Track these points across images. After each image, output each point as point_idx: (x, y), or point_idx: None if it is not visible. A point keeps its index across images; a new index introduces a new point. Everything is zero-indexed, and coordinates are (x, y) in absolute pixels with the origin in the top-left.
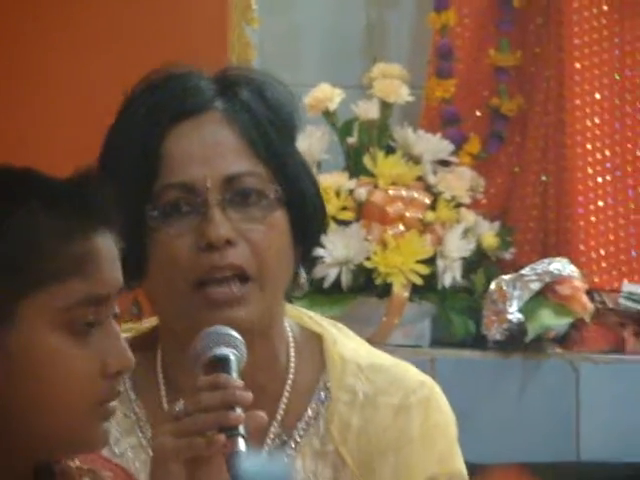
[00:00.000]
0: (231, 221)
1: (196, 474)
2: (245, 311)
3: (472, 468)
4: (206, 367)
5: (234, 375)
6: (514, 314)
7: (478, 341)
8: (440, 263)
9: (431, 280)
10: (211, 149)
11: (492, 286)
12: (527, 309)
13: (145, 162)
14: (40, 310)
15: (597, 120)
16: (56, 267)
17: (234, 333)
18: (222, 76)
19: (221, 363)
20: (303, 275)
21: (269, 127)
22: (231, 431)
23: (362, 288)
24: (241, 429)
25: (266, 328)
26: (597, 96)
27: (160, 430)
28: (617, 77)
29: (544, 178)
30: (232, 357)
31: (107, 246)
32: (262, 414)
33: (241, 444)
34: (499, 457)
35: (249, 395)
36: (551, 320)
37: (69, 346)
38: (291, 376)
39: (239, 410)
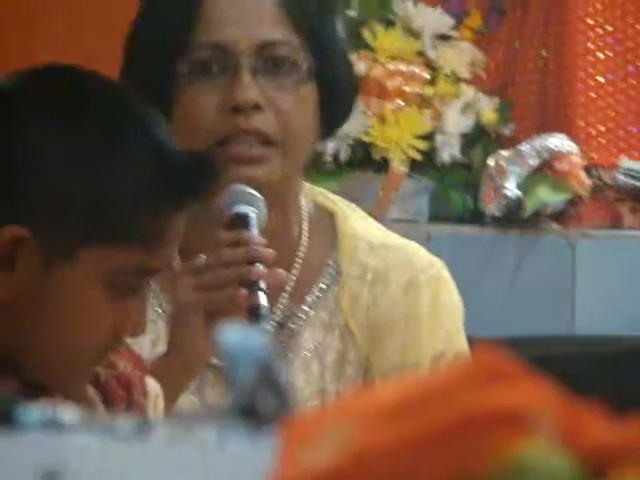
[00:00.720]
0: (260, 87)
1: (216, 328)
2: (264, 170)
3: (468, 341)
4: (227, 224)
5: (255, 233)
6: (512, 190)
7: (476, 217)
8: (439, 138)
9: (429, 155)
10: (249, 13)
11: (490, 162)
12: (525, 185)
13: (181, 19)
14: (98, 263)
15: None
16: (135, 232)
17: (256, 193)
18: None
19: (243, 220)
20: (328, 152)
21: (309, 3)
22: (252, 286)
23: (360, 163)
24: (262, 284)
25: (282, 196)
26: None
27: (180, 283)
28: None
29: (544, 53)
30: (254, 215)
31: (180, 225)
32: (282, 271)
33: (262, 298)
34: (495, 331)
35: (271, 252)
36: (549, 196)
37: (103, 302)
38: (302, 249)
39: (260, 266)
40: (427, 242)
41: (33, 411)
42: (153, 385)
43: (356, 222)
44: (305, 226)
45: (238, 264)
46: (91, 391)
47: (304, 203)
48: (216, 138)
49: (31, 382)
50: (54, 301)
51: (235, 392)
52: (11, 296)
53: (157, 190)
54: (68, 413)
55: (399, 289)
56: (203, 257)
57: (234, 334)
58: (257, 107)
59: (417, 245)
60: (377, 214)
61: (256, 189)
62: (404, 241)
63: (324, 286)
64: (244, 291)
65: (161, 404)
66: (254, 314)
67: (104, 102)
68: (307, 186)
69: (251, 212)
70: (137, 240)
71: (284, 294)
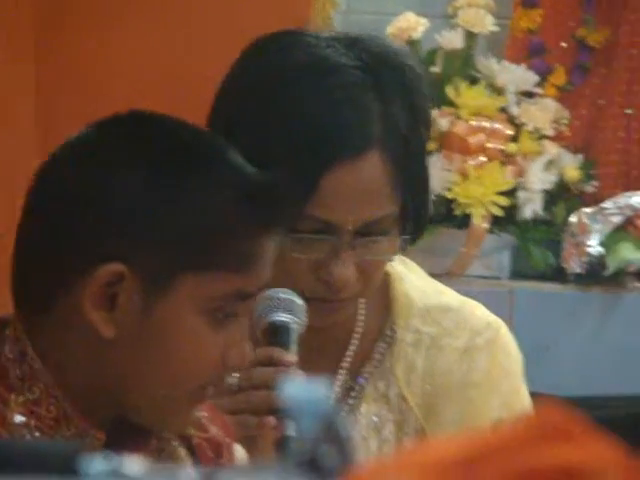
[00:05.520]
0: (356, 258)
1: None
2: (338, 317)
3: (547, 399)
4: (264, 333)
5: (292, 345)
6: (594, 247)
7: (557, 274)
8: (521, 195)
9: (511, 212)
10: (362, 195)
11: (573, 219)
12: (607, 242)
13: (298, 195)
14: (194, 290)
15: None
16: (227, 258)
17: (296, 299)
18: (376, 81)
19: (279, 331)
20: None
21: (415, 161)
22: (281, 413)
23: (442, 219)
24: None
25: None
26: None
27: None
28: None
29: (629, 111)
30: (291, 325)
31: (272, 248)
32: None
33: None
34: (577, 390)
35: (300, 374)
36: (631, 254)
37: (204, 330)
38: (360, 324)
39: None
40: (509, 299)
41: (98, 461)
42: (240, 452)
43: (411, 283)
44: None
45: (267, 387)
46: (182, 451)
47: None
48: (301, 293)
49: (134, 426)
50: (156, 334)
51: (297, 445)
52: (114, 335)
53: (244, 212)
54: (133, 464)
55: (454, 355)
56: (236, 376)
57: (297, 388)
58: (350, 281)
59: (475, 304)
60: (459, 270)
61: None
62: (461, 301)
63: (380, 355)
64: (271, 419)
65: None
66: (281, 445)
67: (179, 136)
68: None
69: (289, 321)
70: (229, 264)
71: (341, 370)
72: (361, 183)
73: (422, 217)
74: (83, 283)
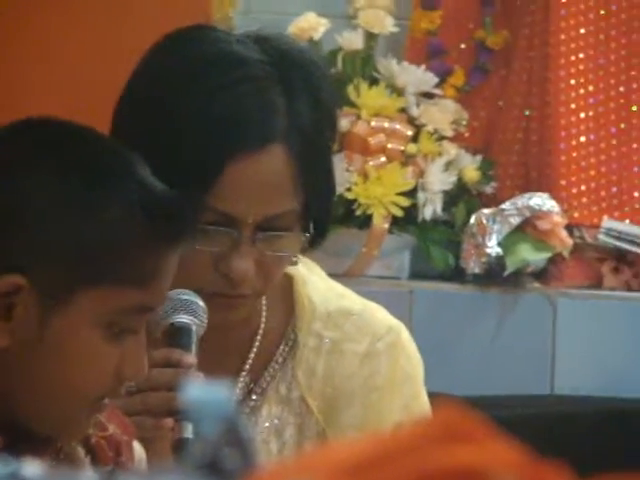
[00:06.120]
0: (257, 253)
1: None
2: (239, 314)
3: (445, 399)
4: (164, 334)
5: (192, 346)
6: (493, 248)
7: (457, 274)
8: (421, 195)
9: (411, 212)
10: (263, 190)
11: (472, 220)
12: (506, 243)
13: (198, 187)
14: (93, 304)
15: (581, 55)
16: (127, 274)
17: (197, 300)
18: (283, 77)
19: (179, 333)
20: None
21: (319, 159)
22: (178, 415)
23: (342, 219)
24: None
25: None
26: (582, 31)
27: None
28: (603, 12)
29: (527, 112)
30: (191, 326)
31: (174, 263)
32: None
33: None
34: (474, 390)
35: (200, 376)
36: (530, 255)
37: (100, 343)
38: (262, 324)
39: None
40: (409, 299)
41: None
42: (139, 450)
43: (314, 286)
44: (263, 298)
45: (166, 389)
46: (81, 451)
47: None
48: (200, 288)
49: (32, 432)
50: (52, 347)
51: (198, 447)
52: (9, 345)
53: (147, 228)
54: (31, 468)
55: (355, 360)
56: None
57: (198, 390)
58: (248, 275)
59: (376, 307)
60: (359, 271)
61: None
62: (362, 304)
63: (282, 358)
64: (169, 421)
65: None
66: (178, 447)
67: (87, 147)
68: None
69: (190, 322)
70: (131, 279)
71: (243, 372)
72: (263, 176)
73: (325, 217)
74: None
